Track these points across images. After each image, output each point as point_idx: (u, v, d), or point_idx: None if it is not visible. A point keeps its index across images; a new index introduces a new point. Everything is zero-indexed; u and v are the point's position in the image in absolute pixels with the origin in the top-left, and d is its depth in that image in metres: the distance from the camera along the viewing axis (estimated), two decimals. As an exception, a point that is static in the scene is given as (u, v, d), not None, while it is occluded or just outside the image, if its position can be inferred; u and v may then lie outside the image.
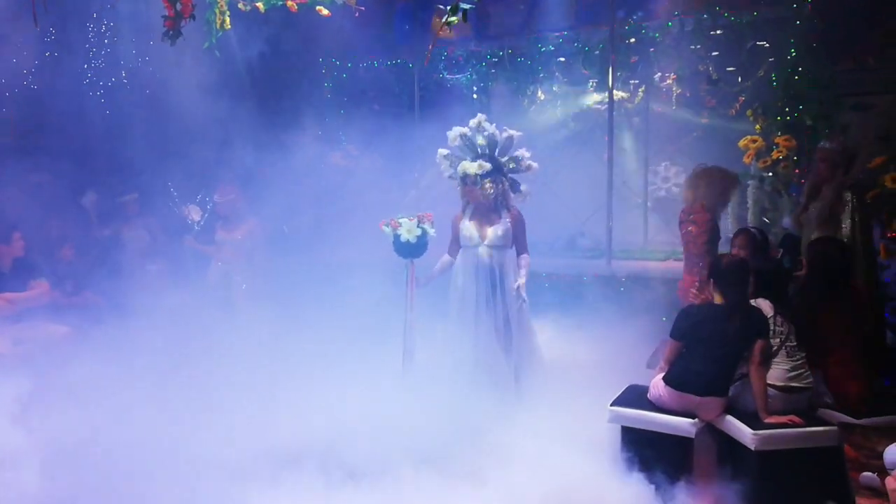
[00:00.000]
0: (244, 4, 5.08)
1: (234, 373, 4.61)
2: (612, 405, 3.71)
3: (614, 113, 7.61)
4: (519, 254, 4.46)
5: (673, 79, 8.20)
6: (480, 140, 4.43)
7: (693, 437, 3.48)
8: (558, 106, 9.04)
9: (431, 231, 4.34)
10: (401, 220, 4.31)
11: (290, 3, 5.10)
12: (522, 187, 4.55)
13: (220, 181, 6.52)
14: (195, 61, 6.04)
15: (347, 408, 4.04)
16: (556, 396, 4.19)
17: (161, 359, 4.81)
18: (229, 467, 3.50)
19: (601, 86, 8.27)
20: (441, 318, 4.52)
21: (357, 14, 5.24)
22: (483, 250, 4.37)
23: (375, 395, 4.14)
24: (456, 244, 4.52)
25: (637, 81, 8.75)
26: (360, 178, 7.82)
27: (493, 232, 4.37)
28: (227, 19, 4.49)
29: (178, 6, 4.02)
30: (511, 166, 4.47)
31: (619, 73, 7.79)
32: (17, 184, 6.68)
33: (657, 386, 3.65)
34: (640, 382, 3.94)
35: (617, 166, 7.50)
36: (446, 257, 4.56)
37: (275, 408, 4.15)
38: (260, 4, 5.06)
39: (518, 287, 4.28)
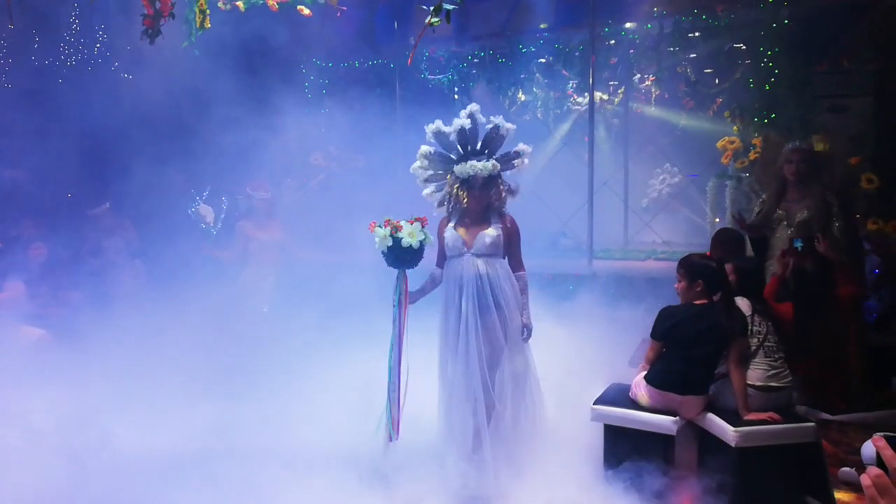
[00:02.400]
0: (224, 3, 5.03)
1: (270, 373, 4.65)
2: (594, 404, 3.74)
3: (594, 114, 7.67)
4: (514, 269, 3.75)
5: (652, 80, 8.29)
6: (472, 134, 3.65)
7: (674, 434, 3.51)
8: (539, 107, 9.08)
9: (430, 238, 3.65)
10: (401, 222, 3.58)
11: (270, 2, 5.04)
12: (514, 186, 3.83)
13: (252, 175, 6.39)
14: (170, 62, 5.98)
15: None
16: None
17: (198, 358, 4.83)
18: (274, 462, 3.58)
19: (581, 87, 8.33)
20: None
21: (339, 14, 5.21)
22: (469, 260, 3.64)
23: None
24: (443, 255, 3.80)
25: (617, 82, 8.83)
26: (341, 179, 7.81)
27: (480, 239, 3.64)
28: (207, 19, 4.43)
29: (157, 5, 3.97)
30: (503, 163, 3.73)
31: (599, 74, 7.86)
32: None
33: (639, 385, 3.68)
34: (622, 381, 3.97)
35: (597, 167, 7.56)
36: (437, 270, 3.84)
37: (309, 409, 4.15)
38: (240, 3, 5.01)
39: (524, 325, 3.70)
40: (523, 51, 8.26)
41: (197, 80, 6.15)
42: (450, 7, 3.66)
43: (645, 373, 3.70)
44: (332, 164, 8.20)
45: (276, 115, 6.76)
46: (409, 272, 3.69)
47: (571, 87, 8.84)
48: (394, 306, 3.67)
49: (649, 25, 7.51)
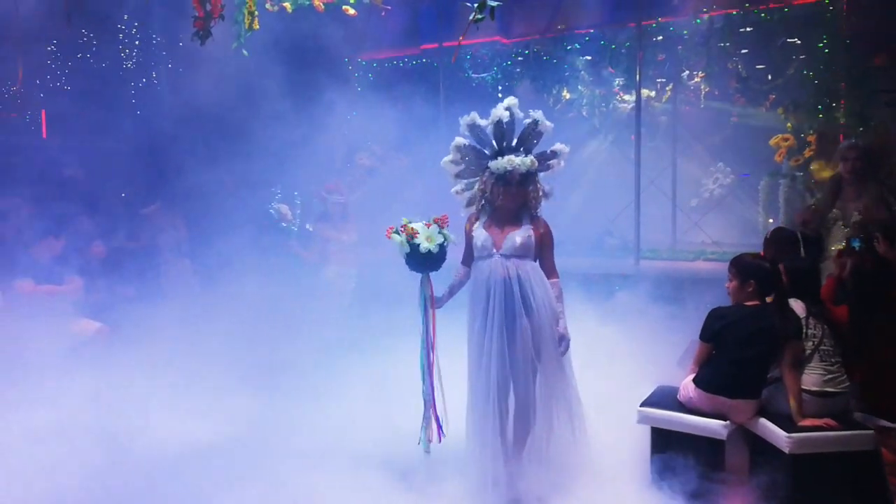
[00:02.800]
0: (272, 5, 5.12)
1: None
2: (641, 406, 3.66)
3: (641, 112, 7.54)
4: (547, 276, 3.50)
5: (701, 77, 8.12)
6: (509, 129, 3.44)
7: (724, 439, 3.42)
8: (584, 105, 8.98)
9: (452, 237, 3.45)
10: (415, 226, 3.41)
11: (316, 2, 5.12)
12: (546, 187, 3.59)
13: (329, 176, 6.50)
14: (220, 63, 6.11)
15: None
16: (584, 396, 4.15)
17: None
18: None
19: (628, 84, 8.21)
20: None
21: (383, 13, 5.24)
22: (497, 262, 3.40)
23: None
24: (470, 254, 3.58)
25: (664, 80, 8.68)
26: (386, 177, 7.86)
27: (510, 240, 3.40)
28: (256, 20, 4.52)
29: (208, 6, 4.06)
30: (540, 162, 3.50)
31: (646, 72, 7.73)
32: (52, 179, 6.85)
33: (687, 388, 3.59)
34: (670, 383, 3.89)
35: (644, 165, 7.43)
36: (462, 269, 3.63)
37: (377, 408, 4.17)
38: (287, 4, 5.10)
39: (561, 336, 3.44)
40: (568, 48, 8.19)
41: (245, 80, 6.27)
42: (494, 4, 3.65)
43: (693, 375, 3.61)
44: (377, 163, 8.26)
45: (321, 115, 6.85)
46: (433, 274, 3.55)
47: (617, 85, 8.72)
48: (420, 311, 3.52)
49: (698, 21, 7.36)
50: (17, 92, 7.07)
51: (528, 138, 3.46)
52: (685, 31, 7.54)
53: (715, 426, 3.42)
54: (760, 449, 3.46)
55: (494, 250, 3.44)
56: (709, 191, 8.76)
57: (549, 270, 3.52)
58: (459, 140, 3.50)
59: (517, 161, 3.35)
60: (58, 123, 7.74)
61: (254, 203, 6.62)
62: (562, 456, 3.41)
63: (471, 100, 8.37)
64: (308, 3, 5.02)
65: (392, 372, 4.45)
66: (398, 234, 3.38)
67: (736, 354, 3.48)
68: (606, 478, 3.43)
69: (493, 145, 3.47)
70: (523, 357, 3.38)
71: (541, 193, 3.50)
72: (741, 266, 3.62)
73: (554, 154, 3.53)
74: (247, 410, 4.30)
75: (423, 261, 3.41)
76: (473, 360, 3.47)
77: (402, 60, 8.99)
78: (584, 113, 8.96)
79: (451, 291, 3.64)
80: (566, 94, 8.87)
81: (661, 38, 7.71)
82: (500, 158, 3.39)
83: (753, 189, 7.61)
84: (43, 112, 7.68)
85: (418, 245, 3.35)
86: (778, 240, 4.55)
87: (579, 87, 8.72)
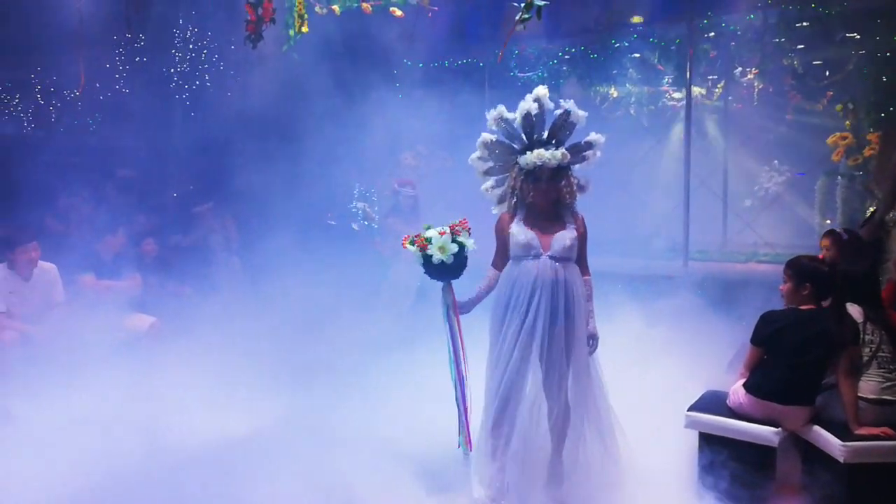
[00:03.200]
0: (321, 8, 5.22)
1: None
2: (689, 410, 3.59)
3: (691, 110, 7.39)
4: (581, 272, 3.36)
5: (754, 73, 7.92)
6: (538, 120, 3.26)
7: (776, 446, 3.33)
8: (632, 103, 8.86)
9: (470, 243, 3.27)
10: (428, 235, 3.24)
11: (364, 5, 5.19)
12: (583, 180, 3.41)
13: (398, 171, 6.52)
14: (270, 66, 6.25)
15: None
16: (629, 398, 4.10)
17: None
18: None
19: (678, 82, 8.06)
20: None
21: (430, 14, 5.28)
22: (546, 263, 3.21)
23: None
24: (504, 256, 3.36)
25: (716, 77, 8.49)
26: (430, 177, 7.90)
27: (559, 241, 3.23)
28: (306, 23, 4.61)
29: (260, 11, 4.16)
30: (573, 155, 3.31)
31: (696, 69, 7.57)
32: (110, 178, 7.13)
33: (737, 393, 3.51)
34: (719, 388, 3.81)
35: (694, 165, 7.28)
36: (492, 272, 3.40)
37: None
38: (336, 7, 5.18)
39: (591, 335, 3.31)
40: (616, 45, 8.08)
41: (294, 82, 6.39)
42: (541, 3, 3.64)
43: (744, 380, 3.53)
44: (422, 162, 8.32)
45: (367, 116, 6.94)
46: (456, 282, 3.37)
47: (666, 83, 8.57)
48: (444, 321, 3.36)
49: (752, 16, 7.16)
50: (78, 96, 7.36)
51: (560, 130, 3.27)
52: (738, 27, 7.35)
53: (766, 433, 3.33)
54: (813, 457, 3.36)
55: (542, 251, 3.23)
56: (763, 190, 8.52)
57: (584, 267, 3.39)
58: (486, 136, 3.34)
59: (546, 155, 3.16)
60: (116, 125, 8.04)
61: (302, 202, 6.73)
62: (592, 465, 3.24)
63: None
64: (356, 5, 5.09)
65: (439, 371, 4.47)
66: (412, 244, 3.24)
67: (789, 359, 3.38)
68: (651, 482, 3.37)
69: (522, 139, 3.29)
70: (558, 361, 3.22)
71: (575, 188, 3.31)
72: (797, 268, 3.51)
73: (589, 145, 3.33)
74: (291, 405, 4.37)
75: (440, 270, 3.26)
76: (503, 362, 3.24)
77: (447, 60, 9.02)
78: (632, 111, 8.83)
79: (479, 296, 3.41)
80: (613, 93, 8.76)
81: (712, 34, 7.54)
82: (529, 153, 3.20)
83: (809, 189, 7.37)
84: (102, 114, 7.99)
85: (430, 256, 3.20)
86: (839, 243, 4.40)
87: (627, 85, 8.60)
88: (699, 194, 7.65)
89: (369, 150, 7.15)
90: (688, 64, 7.25)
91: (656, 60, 7.92)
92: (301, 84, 6.52)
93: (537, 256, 3.23)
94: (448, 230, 3.23)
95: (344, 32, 6.35)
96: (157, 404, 4.13)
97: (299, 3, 4.49)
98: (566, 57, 8.38)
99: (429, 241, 3.21)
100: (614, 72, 8.26)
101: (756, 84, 8.24)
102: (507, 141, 3.33)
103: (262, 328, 5.37)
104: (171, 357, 4.94)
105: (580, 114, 3.26)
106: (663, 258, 7.45)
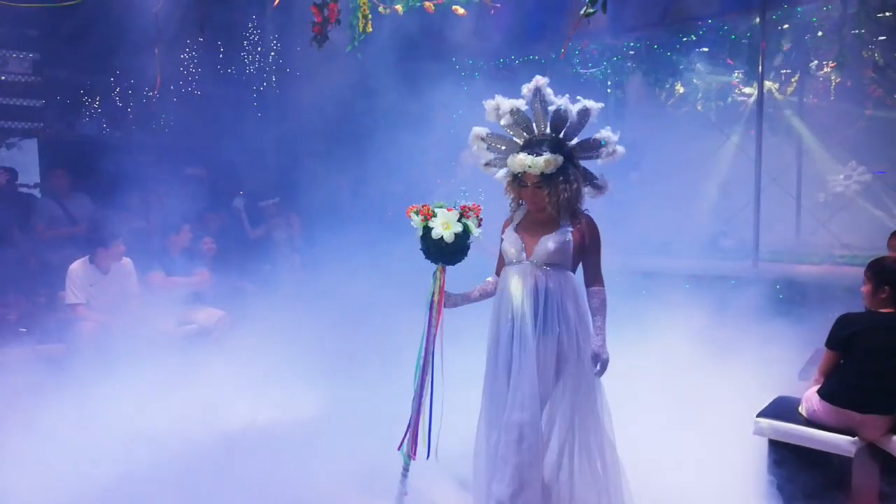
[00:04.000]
0: (384, 8, 5.26)
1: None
2: (758, 416, 3.47)
3: (763, 105, 7.11)
4: (588, 283, 3.03)
5: (832, 67, 7.56)
6: (539, 114, 2.94)
7: (852, 456, 3.18)
8: (699, 98, 8.60)
9: (476, 231, 3.00)
10: (436, 208, 2.99)
11: (427, 4, 5.20)
12: (600, 181, 3.07)
13: (458, 170, 6.30)
14: (335, 65, 6.35)
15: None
16: (695, 403, 4.00)
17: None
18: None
19: (749, 76, 7.77)
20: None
21: (493, 12, 5.26)
22: (527, 269, 2.94)
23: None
24: (502, 262, 3.14)
25: (789, 71, 8.15)
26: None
27: (542, 245, 2.93)
28: (370, 23, 4.67)
29: (325, 12, 4.24)
30: (584, 153, 3.01)
31: (769, 62, 7.29)
32: (173, 176, 7.40)
33: (811, 399, 3.37)
34: (790, 394, 3.66)
35: (766, 162, 7.01)
36: (492, 278, 3.19)
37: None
38: (399, 7, 5.21)
39: (595, 354, 2.93)
40: (684, 40, 7.86)
41: (358, 82, 6.49)
42: (606, -3, 3.57)
43: (818, 386, 3.38)
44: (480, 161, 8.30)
45: (428, 115, 6.97)
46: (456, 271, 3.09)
47: (736, 78, 8.28)
48: (426, 308, 3.05)
49: (829, 7, 6.84)
50: (154, 97, 7.68)
51: (563, 125, 2.95)
52: (814, 19, 7.04)
53: (841, 442, 3.18)
54: (893, 468, 3.19)
55: (524, 256, 2.96)
56: (840, 188, 8.12)
57: (592, 277, 3.03)
58: (477, 130, 3.05)
59: (528, 162, 2.85)
60: (187, 126, 8.36)
61: (366, 200, 6.82)
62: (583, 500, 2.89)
63: (579, 96, 8.27)
64: (419, 4, 5.11)
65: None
66: (417, 214, 2.98)
67: (867, 365, 3.22)
68: (717, 490, 3.28)
69: (521, 134, 3.01)
70: (530, 379, 2.86)
71: (575, 187, 2.92)
72: (878, 269, 3.34)
73: (598, 143, 2.97)
74: (341, 395, 4.46)
75: (436, 249, 2.98)
76: (489, 378, 3.02)
77: (508, 58, 8.97)
78: (699, 107, 8.57)
79: (470, 295, 3.16)
80: (679, 89, 8.53)
81: (786, 26, 7.23)
82: (514, 157, 2.91)
83: (889, 188, 6.99)
84: (174, 115, 8.32)
85: (431, 229, 2.94)
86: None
87: (694, 80, 8.35)
88: (771, 192, 7.36)
89: (432, 148, 7.19)
90: (760, 58, 6.98)
91: (726, 55, 7.66)
92: (364, 83, 6.61)
93: (520, 262, 2.98)
94: (458, 210, 2.98)
95: (407, 31, 6.39)
96: (218, 391, 4.33)
97: (363, 3, 4.55)
98: (630, 52, 8.20)
99: (434, 213, 2.97)
100: (681, 67, 8.04)
101: (833, 78, 7.87)
102: (506, 134, 3.04)
103: (321, 324, 5.46)
104: (238, 348, 5.13)
105: (589, 105, 2.90)
106: (731, 258, 7.21)
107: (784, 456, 3.34)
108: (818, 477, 3.20)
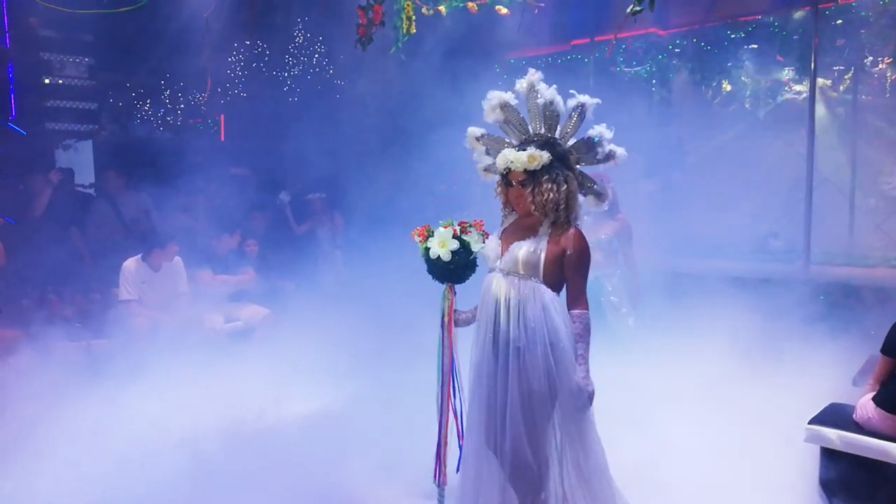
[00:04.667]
0: (428, 9, 5.28)
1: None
2: (809, 423, 3.37)
3: (815, 103, 6.90)
4: (570, 305, 2.70)
5: (887, 63, 7.29)
6: (534, 112, 2.75)
7: (909, 466, 3.07)
8: (747, 96, 8.40)
9: (478, 246, 2.84)
10: (441, 228, 2.87)
11: (470, 4, 5.21)
12: (599, 187, 2.82)
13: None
14: (378, 66, 6.40)
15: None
16: (743, 409, 3.91)
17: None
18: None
19: (800, 73, 7.56)
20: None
21: (536, 11, 5.23)
22: (496, 277, 2.72)
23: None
24: None
25: (842, 67, 7.88)
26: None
27: (511, 252, 2.69)
28: (413, 24, 4.70)
29: (370, 14, 4.28)
30: (581, 154, 2.76)
31: (821, 59, 7.07)
32: (221, 177, 7.57)
33: (865, 407, 3.26)
34: (843, 401, 3.55)
35: (818, 161, 6.80)
36: None
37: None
38: (442, 8, 5.23)
39: (578, 387, 2.59)
40: (732, 37, 7.68)
41: (401, 82, 6.53)
42: (655, -6, 3.52)
43: (873, 393, 3.27)
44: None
45: (468, 115, 6.97)
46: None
47: (787, 75, 8.06)
48: (439, 328, 2.94)
49: (886, 0, 6.60)
50: (202, 100, 7.88)
51: (554, 123, 2.74)
52: (869, 13, 6.80)
53: (898, 451, 3.08)
54: (956, 482, 3.07)
55: (497, 263, 2.74)
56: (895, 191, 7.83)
57: (574, 299, 2.70)
58: (472, 131, 2.87)
59: (511, 157, 2.65)
60: (234, 127, 8.55)
61: (409, 199, 6.85)
62: None
63: (623, 95, 8.19)
64: (462, 4, 5.12)
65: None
66: (418, 236, 2.91)
67: (926, 373, 3.11)
68: (767, 498, 3.20)
69: (517, 133, 2.80)
70: (498, 403, 2.65)
71: (563, 189, 2.65)
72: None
73: (591, 141, 2.71)
74: (376, 394, 4.48)
75: (438, 269, 2.87)
76: (473, 405, 2.80)
77: (550, 57, 8.91)
78: (747, 105, 8.36)
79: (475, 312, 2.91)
80: (727, 86, 8.34)
81: (840, 21, 7.01)
82: (503, 154, 2.70)
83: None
84: (222, 117, 8.51)
85: (429, 250, 2.85)
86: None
87: (742, 78, 8.16)
88: (823, 193, 7.15)
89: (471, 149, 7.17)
90: (812, 54, 6.78)
91: (776, 52, 7.47)
92: (407, 84, 6.65)
93: (492, 269, 2.76)
94: (457, 226, 2.85)
95: (449, 32, 6.41)
96: (259, 387, 4.43)
97: (407, 5, 4.58)
98: (676, 50, 8.06)
99: (431, 233, 2.87)
100: (729, 64, 7.86)
101: (889, 74, 7.59)
102: (503, 135, 2.85)
103: (359, 323, 5.50)
104: (279, 346, 5.24)
105: (586, 101, 2.70)
106: (781, 260, 7.02)
107: (836, 464, 3.24)
108: (871, 486, 3.10)
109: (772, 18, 7.48)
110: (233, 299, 5.98)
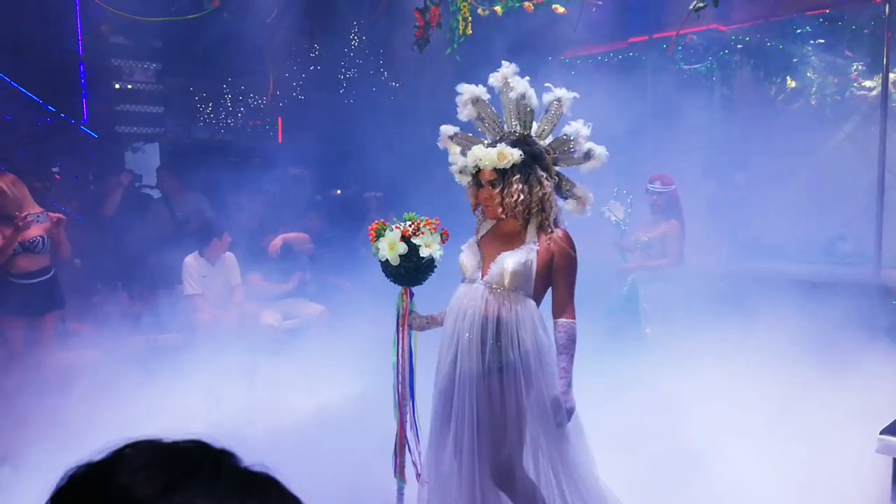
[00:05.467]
0: (484, 10, 5.29)
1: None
2: (881, 433, 3.23)
3: (888, 100, 6.59)
4: (555, 313, 2.54)
5: (966, 57, 6.89)
6: (509, 108, 2.57)
7: None
8: (813, 93, 8.09)
9: (431, 250, 2.63)
10: (388, 227, 2.70)
11: (527, 4, 5.19)
12: (578, 190, 2.62)
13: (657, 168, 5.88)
14: (434, 67, 6.43)
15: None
16: (810, 419, 3.77)
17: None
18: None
19: (871, 69, 7.24)
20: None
21: (594, 9, 5.17)
22: (478, 291, 2.51)
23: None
24: None
25: (917, 62, 7.50)
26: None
27: (499, 263, 2.49)
28: (469, 25, 4.71)
29: (427, 16, 4.31)
30: (559, 154, 2.57)
31: (894, 54, 6.75)
32: (279, 179, 7.74)
33: (944, 418, 3.10)
34: (918, 412, 3.39)
35: (890, 160, 6.50)
36: None
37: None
38: (498, 8, 5.23)
39: (555, 401, 2.44)
40: (798, 32, 7.41)
41: (456, 83, 6.53)
42: (720, -10, 3.44)
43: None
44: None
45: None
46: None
47: (856, 70, 7.72)
48: (395, 331, 2.83)
49: (967, -11, 6.25)
50: (262, 103, 8.08)
51: (528, 119, 2.56)
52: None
53: (980, 466, 2.92)
54: None
55: (480, 274, 2.54)
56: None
57: (561, 306, 2.52)
58: (445, 129, 2.71)
59: (479, 154, 2.47)
60: (291, 129, 8.73)
61: (461, 199, 6.86)
62: None
63: (681, 93, 8.00)
64: (518, 4, 5.10)
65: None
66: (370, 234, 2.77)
67: None
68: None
69: (494, 133, 2.63)
70: (471, 421, 2.45)
71: (536, 191, 2.46)
72: None
73: (568, 138, 2.53)
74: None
75: (389, 272, 2.74)
76: (435, 425, 2.61)
77: (606, 56, 8.76)
78: (813, 102, 8.06)
79: (437, 318, 2.72)
80: (791, 83, 8.05)
81: (915, 13, 6.68)
82: (472, 152, 2.54)
83: None
84: (280, 119, 8.71)
85: (378, 249, 2.70)
86: None
87: (808, 74, 7.86)
88: (894, 193, 6.83)
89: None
90: (884, 49, 6.48)
91: (845, 47, 7.17)
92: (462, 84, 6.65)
93: (473, 281, 2.56)
94: (410, 225, 2.66)
95: (505, 31, 6.40)
96: (312, 383, 4.56)
97: (464, 6, 4.60)
98: (738, 46, 7.82)
99: (380, 233, 2.70)
100: (794, 60, 7.59)
101: (972, 68, 7.19)
102: (478, 133, 2.70)
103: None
104: (338, 340, 5.31)
105: (563, 95, 2.53)
106: (851, 264, 6.74)
107: (913, 478, 3.10)
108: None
109: (840, 12, 7.18)
110: (288, 296, 6.13)
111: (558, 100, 2.54)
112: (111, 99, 7.18)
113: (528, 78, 2.58)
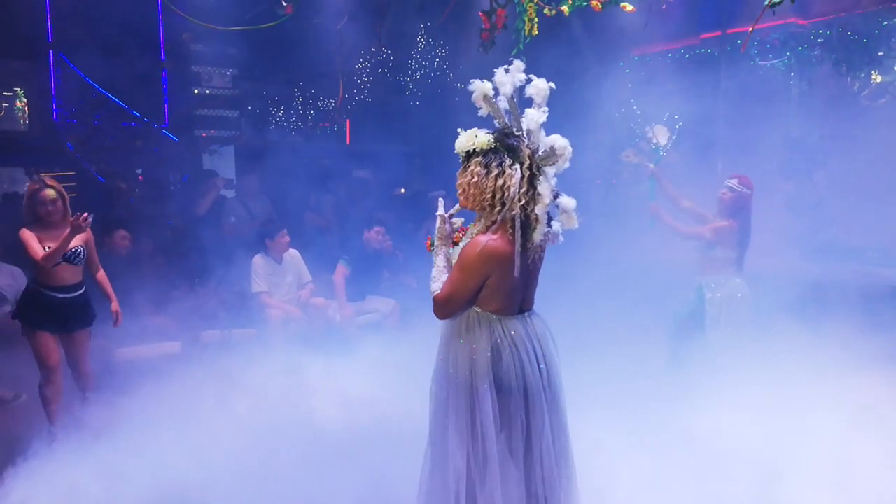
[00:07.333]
0: (550, 9, 5.26)
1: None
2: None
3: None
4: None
5: None
6: (511, 105, 2.47)
7: None
8: (901, 88, 7.64)
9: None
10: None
11: (594, 2, 5.12)
12: (564, 200, 2.49)
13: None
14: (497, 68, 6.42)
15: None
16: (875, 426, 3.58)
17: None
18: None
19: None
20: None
21: (664, 6, 5.06)
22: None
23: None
24: None
25: None
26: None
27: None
28: (535, 26, 4.70)
29: (493, 18, 4.33)
30: (542, 153, 2.43)
31: None
32: (348, 183, 7.91)
33: None
34: None
35: None
36: None
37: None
38: (565, 8, 5.18)
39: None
40: (884, 24, 7.03)
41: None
42: (797, -16, 3.32)
43: None
44: (645, 160, 7.99)
45: (591, 113, 6.85)
46: None
47: (949, 63, 7.26)
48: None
49: None
50: (331, 106, 8.29)
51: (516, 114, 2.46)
52: None
53: None
54: None
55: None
56: None
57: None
58: (483, 87, 2.53)
59: (461, 139, 2.43)
60: (359, 131, 8.91)
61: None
62: None
63: (755, 90, 7.71)
64: (585, 3, 5.05)
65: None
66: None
67: None
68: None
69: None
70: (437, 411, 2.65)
71: (492, 178, 2.35)
72: None
73: (553, 152, 2.39)
74: None
75: None
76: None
77: (677, 53, 8.54)
78: (901, 98, 7.62)
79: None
80: (876, 77, 7.64)
81: None
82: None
83: None
84: (347, 122, 8.92)
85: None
86: None
87: (895, 68, 7.44)
88: None
89: (593, 148, 7.06)
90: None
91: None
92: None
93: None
94: (458, 234, 2.61)
95: (572, 30, 6.34)
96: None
97: (530, 7, 4.58)
98: (818, 40, 7.47)
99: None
100: (880, 53, 7.19)
101: None
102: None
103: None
104: (406, 334, 5.45)
105: (538, 84, 2.40)
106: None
107: None
108: None
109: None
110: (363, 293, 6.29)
111: (521, 89, 2.44)
112: (190, 104, 7.52)
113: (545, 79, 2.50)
